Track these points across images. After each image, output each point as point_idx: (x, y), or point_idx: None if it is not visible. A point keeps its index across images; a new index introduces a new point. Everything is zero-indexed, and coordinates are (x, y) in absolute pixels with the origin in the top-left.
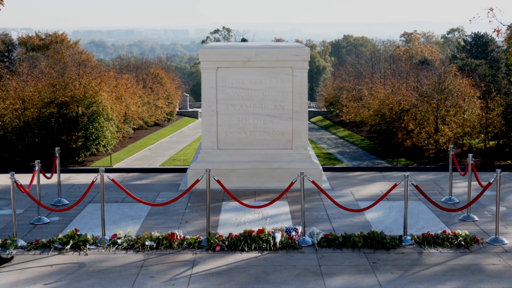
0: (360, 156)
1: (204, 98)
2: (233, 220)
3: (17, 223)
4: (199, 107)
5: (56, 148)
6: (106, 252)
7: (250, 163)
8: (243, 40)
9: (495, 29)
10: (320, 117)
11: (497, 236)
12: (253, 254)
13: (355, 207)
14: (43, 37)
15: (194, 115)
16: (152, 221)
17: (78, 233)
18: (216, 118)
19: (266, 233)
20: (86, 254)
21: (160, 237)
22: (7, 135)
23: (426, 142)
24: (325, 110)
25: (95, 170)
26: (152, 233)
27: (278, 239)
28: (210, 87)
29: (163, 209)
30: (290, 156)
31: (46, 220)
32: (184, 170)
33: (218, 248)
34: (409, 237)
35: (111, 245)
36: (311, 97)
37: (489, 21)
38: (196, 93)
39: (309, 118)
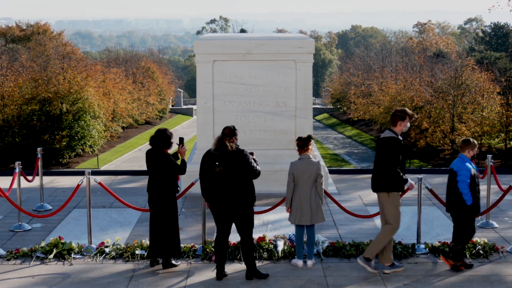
0: (369, 157)
1: (200, 94)
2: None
3: None
4: (194, 104)
5: (38, 149)
6: (93, 262)
7: None
8: (242, 31)
9: None
10: (325, 115)
11: None
12: None
13: (364, 212)
14: (24, 27)
15: (189, 113)
16: (143, 228)
17: (62, 241)
18: (212, 116)
19: (267, 241)
20: (71, 264)
21: None
22: None
23: (441, 142)
24: (331, 107)
25: (81, 173)
26: (143, 241)
27: (280, 248)
28: (206, 82)
29: None
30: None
31: (28, 227)
32: None
33: (214, 257)
34: (422, 246)
35: (98, 254)
36: (316, 93)
37: (510, 10)
38: (190, 89)
39: (314, 115)
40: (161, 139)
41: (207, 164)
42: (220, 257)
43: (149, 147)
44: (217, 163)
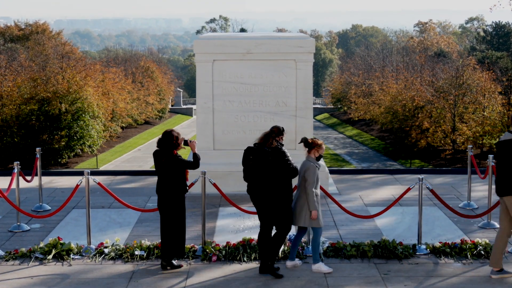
0: (370, 157)
1: (199, 94)
2: (231, 227)
3: None
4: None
5: (37, 149)
6: (92, 263)
7: None
8: (242, 30)
9: None
10: (326, 115)
11: None
12: (253, 265)
13: (365, 213)
14: (23, 27)
15: (188, 113)
16: (142, 228)
17: (61, 241)
18: (212, 115)
19: None
20: (70, 265)
21: (151, 246)
22: None
23: (442, 142)
24: (332, 107)
25: (80, 173)
26: (142, 241)
27: (280, 248)
28: (206, 82)
29: (154, 216)
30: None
31: (26, 227)
32: None
33: (214, 258)
34: (423, 246)
35: (97, 255)
36: (317, 93)
37: None
38: (190, 89)
39: (314, 115)
40: (168, 140)
41: (244, 156)
42: (261, 252)
43: (150, 147)
44: (250, 157)
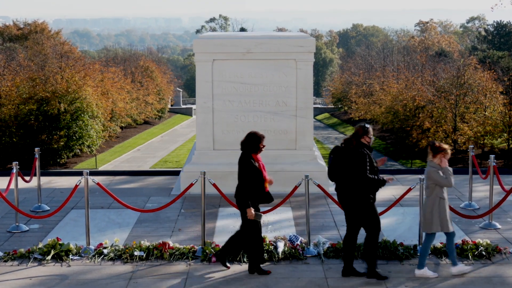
0: None
1: (199, 94)
2: (230, 228)
3: None
4: (194, 103)
5: (36, 149)
6: (91, 263)
7: None
8: (242, 29)
9: None
10: (326, 115)
11: None
12: None
13: None
14: (22, 26)
15: (188, 112)
16: (141, 229)
17: (60, 242)
18: (212, 115)
19: (268, 242)
20: (69, 266)
21: (151, 246)
22: None
23: (443, 142)
24: (332, 106)
25: (79, 173)
26: (142, 242)
27: (280, 249)
28: (206, 82)
29: (154, 216)
30: (294, 158)
31: (25, 228)
32: (176, 173)
33: (214, 258)
34: None
35: (96, 256)
36: (317, 93)
37: None
38: (190, 88)
39: (315, 115)
40: (250, 142)
41: (329, 156)
42: (346, 255)
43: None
44: (332, 156)
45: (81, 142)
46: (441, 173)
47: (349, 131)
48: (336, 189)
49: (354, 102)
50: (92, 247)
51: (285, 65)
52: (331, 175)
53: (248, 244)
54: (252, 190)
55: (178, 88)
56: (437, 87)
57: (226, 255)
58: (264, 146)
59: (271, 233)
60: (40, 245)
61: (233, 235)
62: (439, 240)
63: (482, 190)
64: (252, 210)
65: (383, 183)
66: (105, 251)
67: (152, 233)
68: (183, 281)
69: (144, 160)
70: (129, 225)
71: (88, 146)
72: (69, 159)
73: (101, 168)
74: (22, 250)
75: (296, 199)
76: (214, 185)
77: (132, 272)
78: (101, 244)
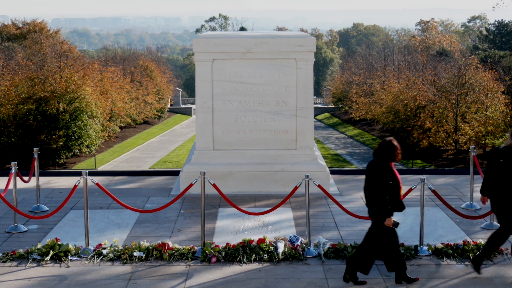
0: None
1: (199, 94)
2: (230, 228)
3: None
4: (193, 103)
5: (35, 149)
6: (90, 264)
7: (249, 165)
8: (242, 29)
9: None
10: (327, 114)
11: None
12: (253, 266)
13: (366, 213)
14: (20, 25)
15: (188, 112)
16: (141, 229)
17: (59, 242)
18: (212, 115)
19: (268, 242)
20: (68, 266)
21: (150, 247)
22: None
23: (444, 142)
24: (333, 106)
25: (78, 173)
26: (141, 242)
27: (280, 250)
28: (205, 81)
29: (153, 216)
30: (294, 158)
31: (24, 228)
32: (176, 173)
33: (214, 259)
34: (425, 247)
35: (95, 256)
36: (317, 92)
37: None
38: (189, 88)
39: (315, 115)
40: (388, 151)
41: (494, 159)
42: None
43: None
44: (501, 160)
45: (80, 142)
46: None
47: (350, 131)
48: (496, 190)
49: (354, 102)
50: (91, 247)
51: (285, 65)
52: (496, 179)
53: (390, 254)
54: (391, 198)
55: (177, 88)
56: (438, 87)
57: (355, 270)
58: (401, 153)
59: (271, 234)
60: (39, 246)
61: (360, 248)
62: (440, 240)
63: None
64: (392, 219)
65: None
66: (104, 251)
67: (152, 234)
68: (183, 281)
69: (144, 160)
70: (128, 226)
71: (87, 146)
72: (68, 159)
73: (100, 168)
74: (21, 250)
75: (296, 199)
76: (214, 185)
77: (131, 273)
78: (100, 244)
